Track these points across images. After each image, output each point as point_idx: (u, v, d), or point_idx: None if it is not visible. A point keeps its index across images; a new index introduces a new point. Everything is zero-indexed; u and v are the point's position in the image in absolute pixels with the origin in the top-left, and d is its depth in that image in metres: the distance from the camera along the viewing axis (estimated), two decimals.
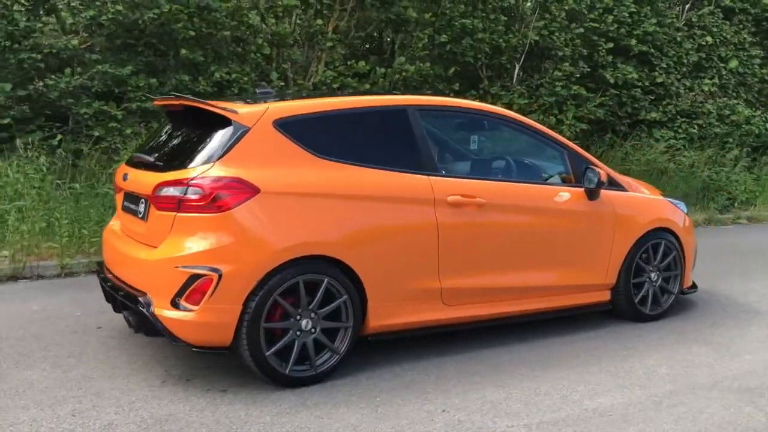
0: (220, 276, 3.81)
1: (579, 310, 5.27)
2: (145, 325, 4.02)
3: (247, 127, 4.06)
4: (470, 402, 3.92)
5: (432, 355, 4.62)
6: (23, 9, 7.63)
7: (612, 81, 11.61)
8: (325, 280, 4.07)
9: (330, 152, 4.25)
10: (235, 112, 4.09)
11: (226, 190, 3.88)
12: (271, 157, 4.08)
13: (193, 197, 3.88)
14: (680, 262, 5.63)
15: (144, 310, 3.94)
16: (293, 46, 9.27)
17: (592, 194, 5.10)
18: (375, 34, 10.41)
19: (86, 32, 7.99)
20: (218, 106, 4.14)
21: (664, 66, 12.38)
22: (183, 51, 8.43)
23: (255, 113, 4.12)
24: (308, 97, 5.48)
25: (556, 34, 11.12)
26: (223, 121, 4.10)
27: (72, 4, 7.83)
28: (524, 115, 10.69)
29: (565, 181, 5.15)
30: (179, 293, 3.85)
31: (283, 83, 9.02)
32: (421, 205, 4.41)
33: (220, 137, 4.06)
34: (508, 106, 10.60)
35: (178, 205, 3.92)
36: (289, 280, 3.97)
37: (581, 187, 5.06)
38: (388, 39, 10.56)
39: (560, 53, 11.12)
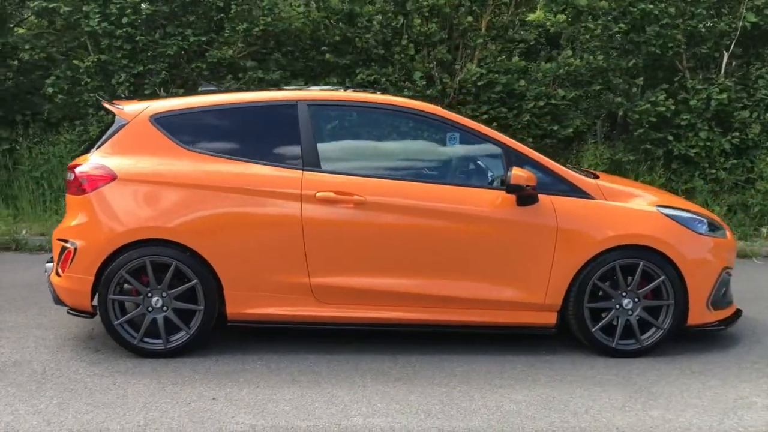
0: (75, 249, 4.42)
1: (512, 329, 4.64)
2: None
3: (126, 121, 4.58)
4: (252, 397, 3.90)
5: (308, 352, 4.58)
6: (195, 26, 9.10)
7: None
8: (173, 263, 4.40)
9: (202, 145, 4.55)
10: (122, 108, 4.65)
11: (89, 175, 4.46)
12: (142, 148, 4.54)
13: (71, 180, 4.56)
14: (675, 291, 4.54)
15: (47, 275, 4.75)
16: (439, 45, 9.28)
17: (522, 200, 4.46)
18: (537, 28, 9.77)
19: (243, 43, 9.17)
20: (115, 104, 4.73)
21: None
22: (328, 55, 9.12)
23: (136, 109, 4.62)
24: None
25: None
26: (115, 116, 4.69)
27: (229, 16, 9.06)
28: (732, 112, 9.13)
29: (504, 183, 4.57)
30: (58, 261, 4.56)
31: (424, 83, 9.12)
32: (286, 200, 4.43)
33: (109, 131, 4.66)
34: (707, 102, 9.09)
35: (68, 186, 4.64)
36: (135, 259, 4.39)
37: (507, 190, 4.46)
38: (554, 32, 9.81)
39: None
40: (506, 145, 4.62)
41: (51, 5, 8.86)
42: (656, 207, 4.68)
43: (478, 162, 4.76)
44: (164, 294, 4.44)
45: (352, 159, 4.67)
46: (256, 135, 4.63)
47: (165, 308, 4.45)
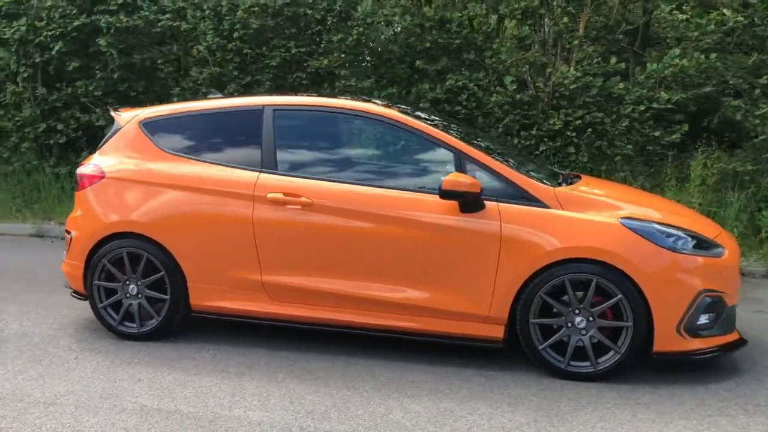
0: (71, 238, 5.02)
1: (457, 340, 4.47)
2: None
3: (120, 126, 5.11)
4: (171, 382, 4.18)
5: (262, 347, 4.77)
6: (297, 39, 9.66)
7: None
8: (145, 255, 4.82)
9: (178, 148, 4.94)
10: (120, 114, 5.18)
11: (85, 174, 5.04)
12: (130, 150, 5.02)
13: (76, 177, 5.17)
14: (634, 312, 4.10)
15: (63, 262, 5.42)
16: (532, 47, 8.93)
17: (465, 206, 4.30)
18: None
19: (338, 52, 9.52)
20: (119, 111, 5.26)
21: None
22: (417, 62, 9.21)
23: (130, 115, 5.12)
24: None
25: None
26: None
27: (327, 27, 9.47)
28: None
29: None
30: (66, 249, 5.20)
31: (515, 87, 8.85)
32: (239, 200, 4.66)
33: (108, 134, 5.21)
34: None
35: (76, 182, 5.26)
36: (115, 249, 4.88)
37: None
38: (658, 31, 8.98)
39: None
40: (457, 150, 4.47)
41: (175, 23, 9.88)
42: (619, 219, 4.25)
43: (436, 167, 4.63)
44: (139, 283, 4.88)
45: (309, 162, 4.79)
46: (225, 138, 4.92)
47: (139, 296, 4.89)
